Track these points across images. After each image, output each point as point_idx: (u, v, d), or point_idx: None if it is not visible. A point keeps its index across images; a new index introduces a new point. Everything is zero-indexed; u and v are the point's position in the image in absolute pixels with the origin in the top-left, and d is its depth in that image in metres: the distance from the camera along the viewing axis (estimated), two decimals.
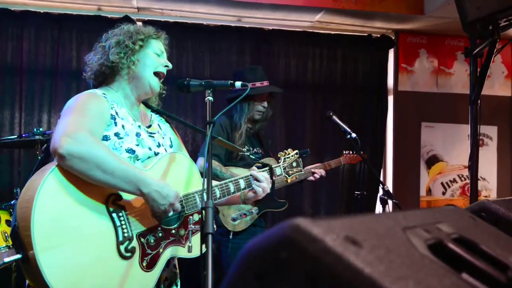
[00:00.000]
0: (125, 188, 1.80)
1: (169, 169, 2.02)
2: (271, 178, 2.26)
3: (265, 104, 3.54)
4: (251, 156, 2.32)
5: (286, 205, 3.61)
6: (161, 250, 1.93)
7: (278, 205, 3.58)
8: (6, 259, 1.86)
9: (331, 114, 3.46)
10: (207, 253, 1.54)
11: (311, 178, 3.66)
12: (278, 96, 4.06)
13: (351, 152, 3.96)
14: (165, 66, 2.11)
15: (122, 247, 1.81)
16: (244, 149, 2.32)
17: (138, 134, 2.02)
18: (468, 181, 5.06)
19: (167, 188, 1.86)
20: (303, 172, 2.45)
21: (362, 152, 3.91)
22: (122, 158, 1.90)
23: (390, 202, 3.32)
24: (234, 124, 3.48)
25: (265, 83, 3.54)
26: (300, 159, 2.45)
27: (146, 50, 2.07)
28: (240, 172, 3.27)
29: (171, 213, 1.90)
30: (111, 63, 2.01)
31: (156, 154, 2.04)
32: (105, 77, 2.07)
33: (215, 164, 3.26)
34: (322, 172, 3.69)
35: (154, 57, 2.09)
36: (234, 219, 3.34)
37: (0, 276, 3.47)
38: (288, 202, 3.68)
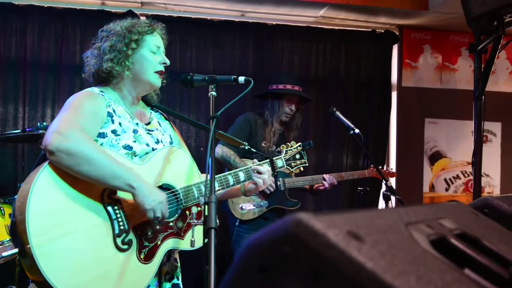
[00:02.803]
0: (114, 183, 1.79)
1: (165, 162, 2.03)
2: (272, 170, 2.27)
3: (293, 107, 3.75)
4: (251, 150, 2.33)
5: (299, 205, 3.68)
6: (159, 243, 1.93)
7: (290, 204, 3.66)
8: (4, 253, 1.88)
9: (334, 109, 3.48)
10: (210, 248, 1.54)
11: (321, 187, 3.73)
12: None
13: (380, 167, 4.01)
14: (163, 63, 2.11)
15: (118, 240, 1.82)
16: (245, 143, 2.32)
17: (135, 131, 2.02)
18: (471, 177, 5.04)
19: (155, 189, 1.87)
20: (307, 164, 2.45)
21: (384, 169, 3.97)
22: (120, 154, 1.91)
23: (393, 198, 3.32)
24: (265, 121, 3.69)
25: (297, 87, 3.76)
26: (304, 151, 2.46)
27: (141, 51, 2.06)
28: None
29: (158, 214, 1.85)
30: (106, 70, 2.02)
31: (154, 150, 2.05)
32: (103, 79, 2.08)
33: (230, 153, 3.45)
34: (333, 180, 3.72)
35: (151, 57, 2.07)
36: (242, 208, 3.42)
37: (4, 270, 3.49)
38: (290, 197, 3.70)
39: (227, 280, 0.66)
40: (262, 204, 3.50)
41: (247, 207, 3.45)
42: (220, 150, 3.54)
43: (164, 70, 2.12)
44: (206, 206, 1.63)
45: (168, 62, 2.13)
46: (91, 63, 2.06)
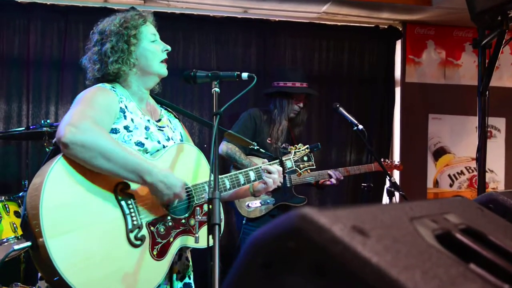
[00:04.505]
0: (129, 177, 1.79)
1: (177, 160, 2.02)
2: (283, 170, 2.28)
3: (301, 104, 3.74)
4: (260, 150, 2.34)
5: (305, 201, 3.67)
6: (171, 239, 1.93)
7: (296, 200, 3.65)
8: (16, 246, 1.89)
9: (337, 105, 3.47)
10: (214, 244, 1.54)
11: (328, 182, 3.71)
12: None
13: (387, 160, 4.02)
14: (165, 50, 2.10)
15: (131, 235, 1.82)
16: (254, 144, 2.33)
17: (147, 128, 2.02)
18: (475, 173, 5.03)
19: (172, 178, 1.85)
20: (315, 167, 2.46)
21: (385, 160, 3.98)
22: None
23: (397, 194, 3.31)
24: (272, 119, 3.68)
25: (305, 84, 3.71)
26: (311, 153, 2.47)
27: (142, 44, 2.04)
28: (261, 163, 3.37)
29: (175, 203, 1.90)
30: (113, 72, 2.00)
31: (165, 147, 2.04)
32: (110, 81, 2.06)
33: (235, 149, 3.45)
34: (339, 175, 3.71)
35: (152, 47, 2.06)
36: (248, 206, 3.42)
37: (10, 267, 3.50)
38: (296, 193, 3.70)
39: (232, 276, 0.65)
40: (269, 201, 3.50)
41: (253, 205, 3.45)
42: (225, 147, 3.54)
43: (167, 57, 2.11)
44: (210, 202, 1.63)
45: (169, 48, 2.12)
46: (94, 69, 2.03)
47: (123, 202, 1.83)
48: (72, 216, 1.71)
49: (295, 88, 3.69)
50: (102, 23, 2.09)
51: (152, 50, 2.06)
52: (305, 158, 2.45)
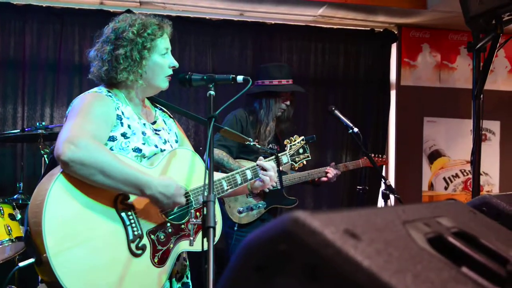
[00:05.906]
0: (128, 190, 1.82)
1: (174, 166, 2.03)
2: (278, 167, 2.27)
3: (288, 102, 3.61)
4: (257, 146, 2.33)
5: (296, 203, 3.61)
6: (171, 246, 1.95)
7: (287, 202, 3.59)
8: (21, 264, 1.96)
9: (333, 108, 3.45)
10: (209, 247, 1.55)
11: (324, 178, 3.66)
12: None
13: (373, 155, 3.97)
14: (172, 67, 2.09)
15: (133, 245, 1.84)
16: (250, 139, 2.32)
17: (144, 133, 2.02)
18: (470, 176, 5.05)
19: (172, 187, 1.87)
20: (310, 158, 2.44)
21: (376, 156, 3.94)
22: (129, 157, 1.91)
23: (392, 196, 3.31)
24: (259, 120, 3.54)
25: (290, 81, 3.61)
26: (307, 145, 2.46)
27: (153, 57, 2.03)
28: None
29: (175, 209, 1.94)
30: (120, 79, 1.99)
31: (162, 151, 2.05)
32: (113, 84, 2.05)
33: (223, 154, 3.36)
34: (337, 171, 3.67)
35: (162, 62, 2.05)
36: (240, 212, 3.37)
37: (4, 270, 3.49)
38: (288, 194, 3.68)
39: (225, 279, 0.66)
40: (260, 205, 3.44)
41: (244, 210, 3.39)
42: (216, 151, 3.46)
43: (172, 73, 2.10)
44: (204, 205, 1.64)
45: (177, 64, 2.10)
46: (102, 69, 2.00)
47: (123, 214, 1.85)
48: (74, 231, 1.73)
49: (281, 87, 3.55)
50: (120, 22, 2.05)
51: (161, 65, 2.05)
52: (301, 151, 2.45)
